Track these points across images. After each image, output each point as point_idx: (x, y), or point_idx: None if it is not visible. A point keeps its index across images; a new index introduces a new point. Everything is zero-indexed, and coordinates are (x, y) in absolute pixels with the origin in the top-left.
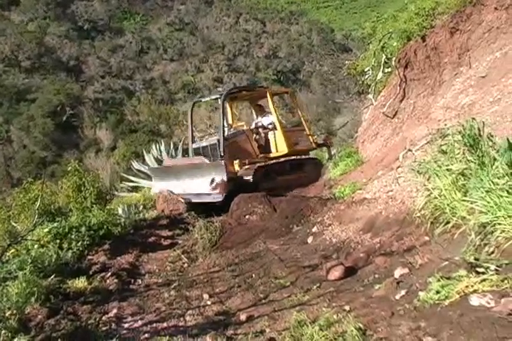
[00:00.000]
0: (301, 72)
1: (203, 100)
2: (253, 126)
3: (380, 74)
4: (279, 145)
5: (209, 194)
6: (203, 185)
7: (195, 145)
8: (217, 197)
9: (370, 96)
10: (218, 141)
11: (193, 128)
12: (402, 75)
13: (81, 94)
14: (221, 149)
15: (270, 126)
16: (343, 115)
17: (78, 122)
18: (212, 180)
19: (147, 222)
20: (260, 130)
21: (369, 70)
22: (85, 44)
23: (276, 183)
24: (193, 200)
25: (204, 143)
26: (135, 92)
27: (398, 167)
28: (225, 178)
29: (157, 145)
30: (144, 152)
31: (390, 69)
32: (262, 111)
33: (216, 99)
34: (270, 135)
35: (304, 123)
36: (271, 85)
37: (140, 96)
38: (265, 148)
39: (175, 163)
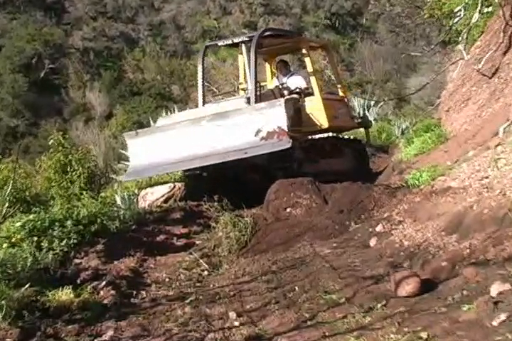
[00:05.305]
0: (364, 14)
1: (219, 44)
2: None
3: (476, 16)
4: (317, 117)
5: (265, 145)
6: (240, 137)
7: None
8: (281, 143)
9: (461, 47)
10: (248, 99)
11: (205, 85)
12: (509, 16)
13: (65, 41)
14: None
15: (297, 91)
16: (421, 74)
17: (61, 80)
18: (259, 131)
19: (154, 214)
20: (286, 94)
21: (460, 11)
22: None
23: (319, 168)
24: (228, 158)
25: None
26: (138, 41)
27: (497, 145)
28: (283, 124)
29: (168, 113)
30: (151, 121)
31: (490, 9)
32: (286, 69)
33: (240, 43)
34: (305, 103)
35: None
36: (321, 33)
37: (145, 46)
38: (294, 119)
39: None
